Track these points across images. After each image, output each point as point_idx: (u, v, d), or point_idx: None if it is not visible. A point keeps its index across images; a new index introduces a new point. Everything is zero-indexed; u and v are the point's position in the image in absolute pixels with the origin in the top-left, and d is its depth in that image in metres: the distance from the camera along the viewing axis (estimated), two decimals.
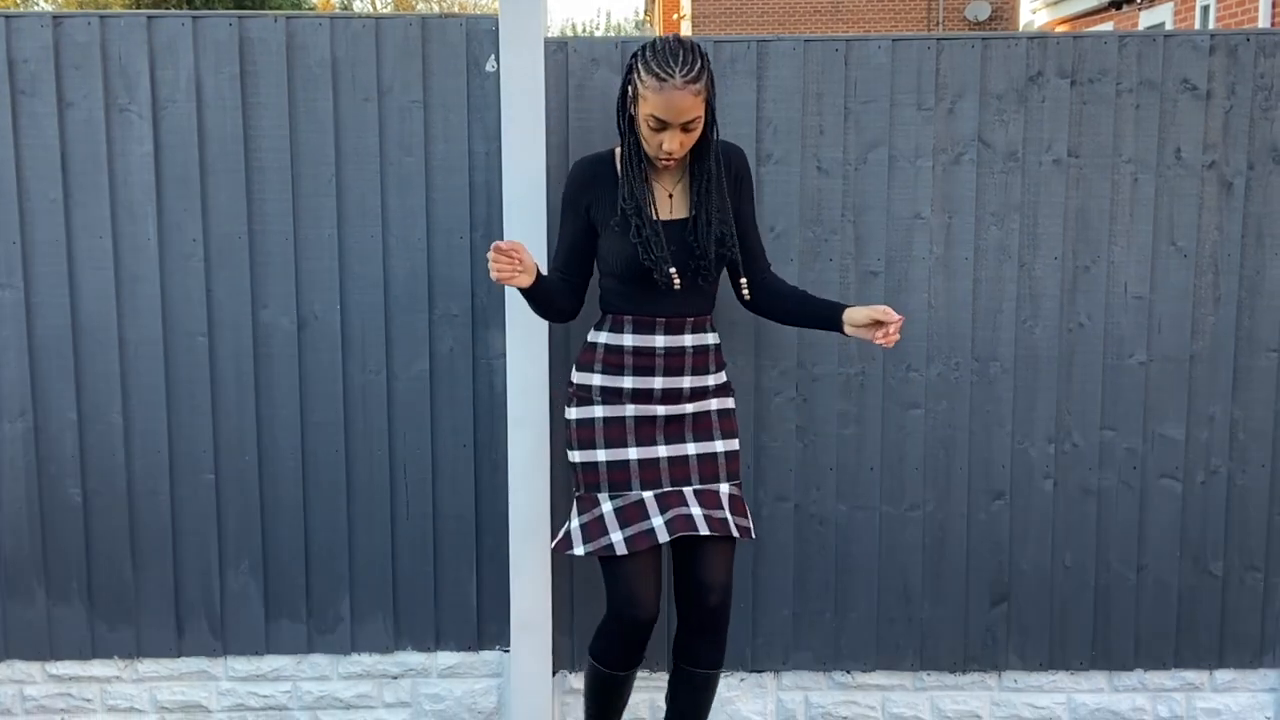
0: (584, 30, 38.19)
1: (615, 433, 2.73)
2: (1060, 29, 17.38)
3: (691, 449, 2.76)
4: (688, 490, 2.73)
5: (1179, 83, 3.16)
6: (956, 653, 3.33)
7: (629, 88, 2.58)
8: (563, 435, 2.88)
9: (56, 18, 3.11)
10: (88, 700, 3.33)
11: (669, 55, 2.51)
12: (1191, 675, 3.35)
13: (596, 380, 2.75)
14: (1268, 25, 12.04)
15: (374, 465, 3.25)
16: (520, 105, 3.08)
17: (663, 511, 2.68)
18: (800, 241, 3.19)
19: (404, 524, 3.27)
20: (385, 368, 3.21)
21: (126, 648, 3.30)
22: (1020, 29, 23.54)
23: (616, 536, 2.65)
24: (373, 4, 32.69)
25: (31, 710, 3.33)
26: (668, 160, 2.60)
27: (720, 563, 2.71)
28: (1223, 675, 3.35)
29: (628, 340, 2.73)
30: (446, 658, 3.33)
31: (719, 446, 2.79)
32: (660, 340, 2.72)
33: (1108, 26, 16.33)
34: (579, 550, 2.69)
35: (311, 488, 3.25)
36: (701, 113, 2.55)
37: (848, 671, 3.35)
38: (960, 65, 3.15)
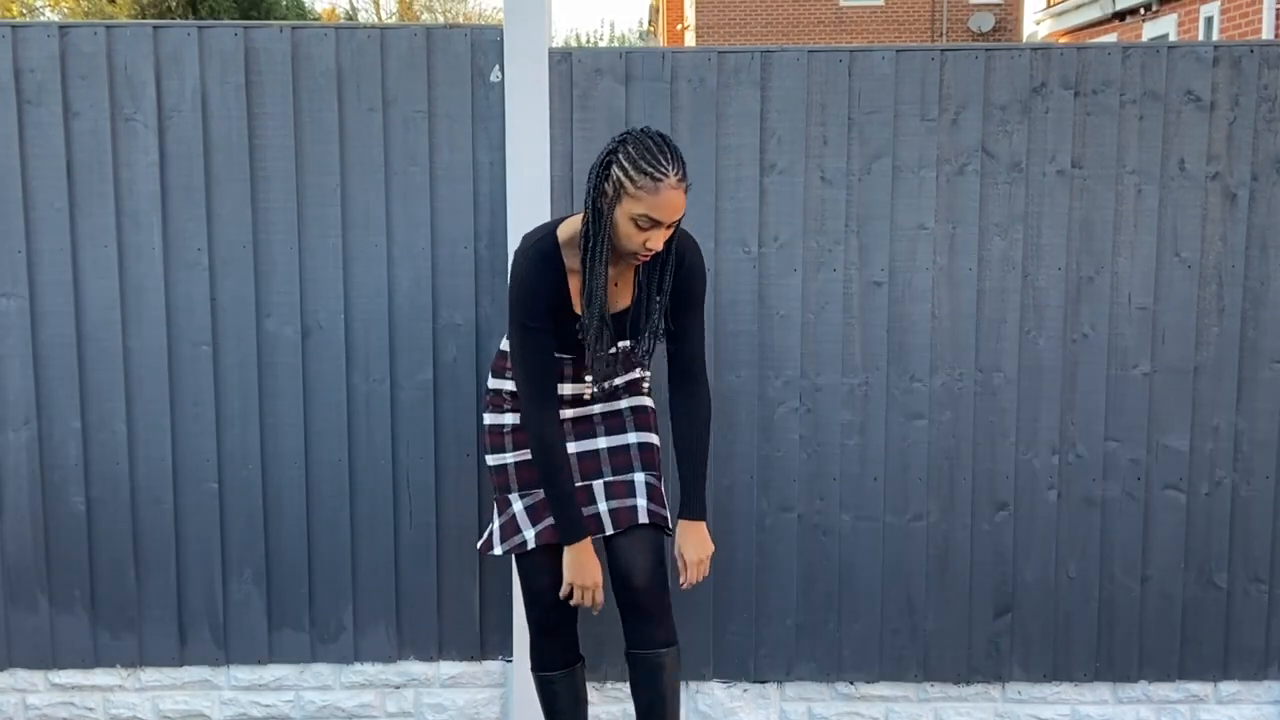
0: (588, 41, 38.28)
1: (522, 437, 2.76)
2: (1064, 40, 17.39)
3: (602, 443, 2.78)
4: (597, 485, 2.75)
5: (1183, 94, 3.16)
6: (960, 664, 3.32)
7: (606, 185, 2.48)
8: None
9: (63, 28, 3.12)
10: (90, 709, 3.33)
11: (658, 153, 2.45)
12: (1196, 687, 3.34)
13: (507, 387, 2.79)
14: (1271, 37, 12.05)
15: (377, 474, 3.25)
16: (524, 115, 3.09)
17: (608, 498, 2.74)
18: (804, 252, 3.19)
19: (407, 533, 3.27)
20: (389, 377, 3.22)
21: (129, 656, 3.30)
22: (1024, 40, 23.55)
23: (528, 533, 2.72)
24: (378, 14, 32.78)
25: (34, 719, 3.33)
26: (645, 258, 2.54)
27: (637, 548, 2.70)
28: (1227, 687, 3.34)
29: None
30: (449, 667, 3.33)
31: (631, 438, 2.80)
32: (567, 364, 2.76)
33: (1111, 38, 16.34)
34: (498, 550, 2.77)
35: (314, 497, 3.25)
36: (683, 216, 2.53)
37: (851, 682, 3.34)
38: (964, 76, 3.16)
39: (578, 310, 2.64)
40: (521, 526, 2.74)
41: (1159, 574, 3.30)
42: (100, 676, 3.32)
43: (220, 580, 3.28)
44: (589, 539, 2.67)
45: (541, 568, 2.74)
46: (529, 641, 2.85)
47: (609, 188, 2.47)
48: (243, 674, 3.32)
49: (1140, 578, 3.30)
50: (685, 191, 2.47)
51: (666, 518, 2.77)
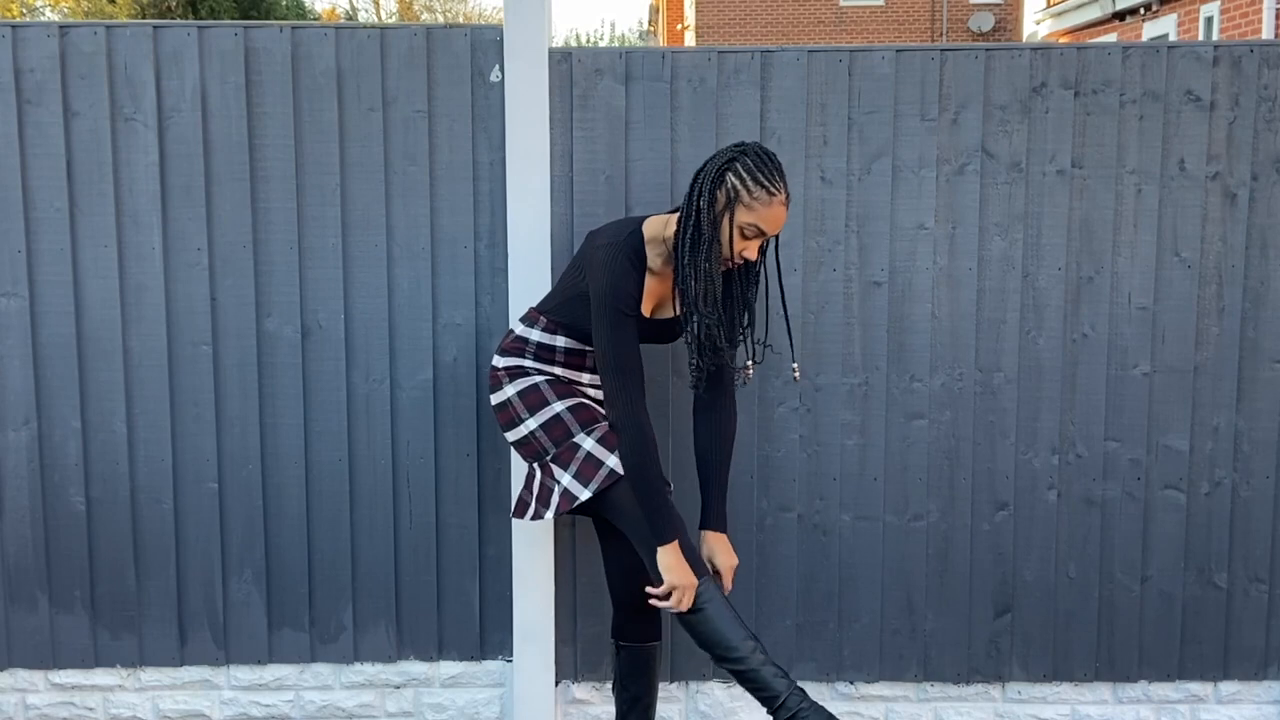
0: (588, 41, 38.29)
1: (561, 388, 2.80)
2: (1064, 40, 17.40)
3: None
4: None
5: (1183, 94, 3.16)
6: (960, 663, 3.32)
7: (719, 192, 2.57)
8: (499, 419, 2.86)
9: (63, 27, 3.12)
10: (90, 709, 3.33)
11: (774, 169, 2.58)
12: (1196, 687, 3.34)
13: (529, 363, 2.81)
14: (1271, 36, 12.05)
15: (377, 474, 3.25)
16: (524, 115, 3.08)
17: (612, 451, 2.72)
18: (804, 251, 3.19)
19: (407, 533, 3.27)
20: (389, 377, 3.22)
21: (129, 656, 3.30)
22: (1024, 40, 23.56)
23: (612, 460, 2.69)
24: (378, 14, 32.78)
25: (34, 719, 3.33)
26: (735, 265, 2.64)
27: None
28: (1227, 687, 3.34)
29: (560, 341, 2.80)
30: (449, 667, 3.33)
31: None
32: (591, 357, 2.81)
33: (1111, 38, 16.35)
34: (585, 494, 2.68)
35: (314, 497, 3.25)
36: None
37: (851, 682, 3.34)
38: (964, 76, 3.16)
39: (645, 309, 2.73)
40: (603, 458, 2.70)
41: (1159, 574, 3.30)
42: (100, 676, 3.32)
43: (220, 580, 3.28)
44: (677, 542, 2.64)
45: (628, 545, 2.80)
46: (626, 619, 2.90)
47: (721, 195, 2.57)
48: (243, 674, 3.32)
49: (1140, 578, 3.30)
50: (788, 209, 2.61)
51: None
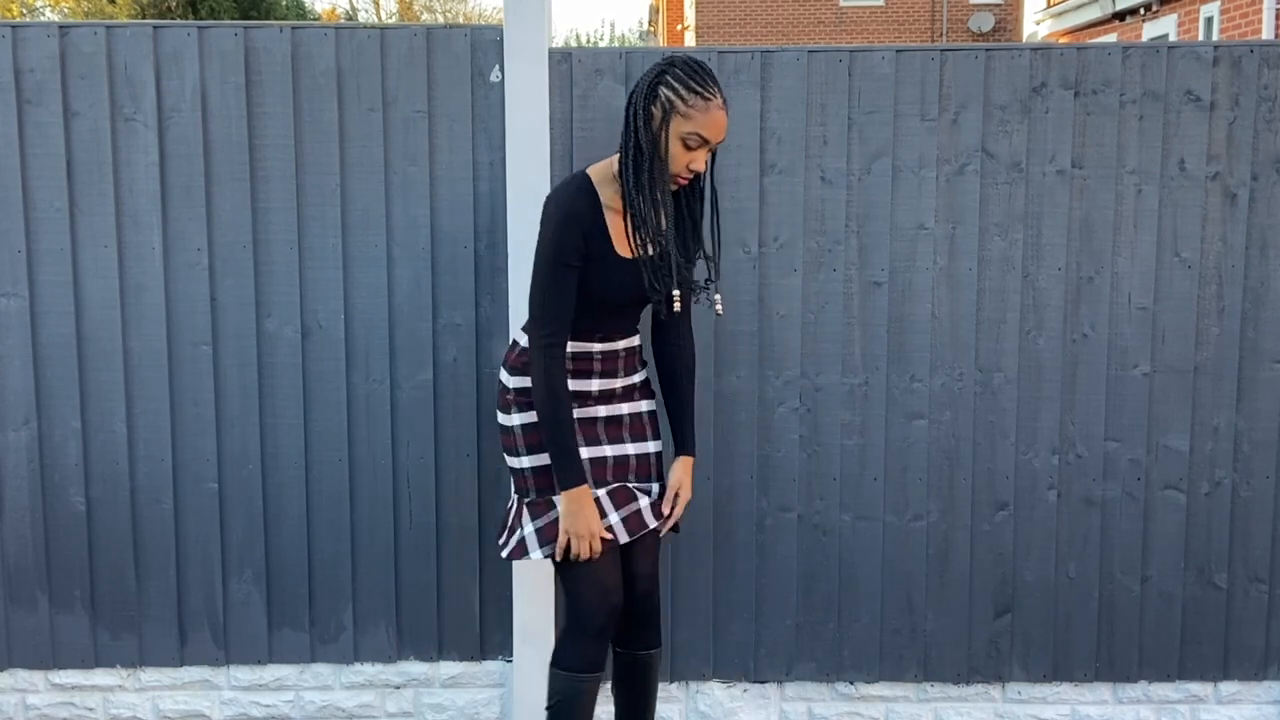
0: (588, 41, 38.29)
1: (588, 430, 2.72)
2: (1064, 40, 17.40)
3: (631, 449, 2.76)
4: (631, 487, 2.74)
5: (1183, 94, 3.16)
6: (960, 664, 3.32)
7: (654, 108, 2.51)
8: (500, 441, 2.80)
9: (63, 27, 3.12)
10: (90, 709, 3.33)
11: (705, 75, 2.52)
12: (1196, 687, 3.34)
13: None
14: (1271, 37, 12.05)
15: (377, 474, 3.25)
16: (524, 115, 3.09)
17: (617, 508, 2.68)
18: (804, 252, 3.19)
19: (407, 533, 3.27)
20: (389, 377, 3.22)
21: (129, 657, 3.30)
22: (1024, 40, 23.56)
23: (613, 517, 2.68)
24: (378, 14, 32.79)
25: (34, 719, 3.33)
26: (685, 180, 2.57)
27: (651, 551, 2.80)
28: (1227, 687, 3.34)
29: (567, 346, 2.67)
30: (449, 667, 3.33)
31: (650, 447, 2.81)
32: (598, 346, 2.70)
33: (1111, 38, 16.35)
34: (536, 554, 2.66)
35: (314, 497, 3.25)
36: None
37: (851, 682, 3.34)
38: (964, 76, 3.16)
39: (622, 251, 2.62)
40: (607, 511, 2.66)
41: (1159, 574, 3.30)
42: (100, 676, 3.32)
43: (220, 580, 3.28)
44: (588, 487, 2.60)
45: (599, 566, 2.65)
46: (570, 642, 2.69)
47: (656, 110, 2.51)
48: (243, 674, 3.32)
49: (1140, 578, 3.30)
50: (727, 115, 2.55)
51: (658, 528, 2.77)
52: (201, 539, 3.26)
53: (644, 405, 2.82)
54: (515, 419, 2.72)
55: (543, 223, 2.60)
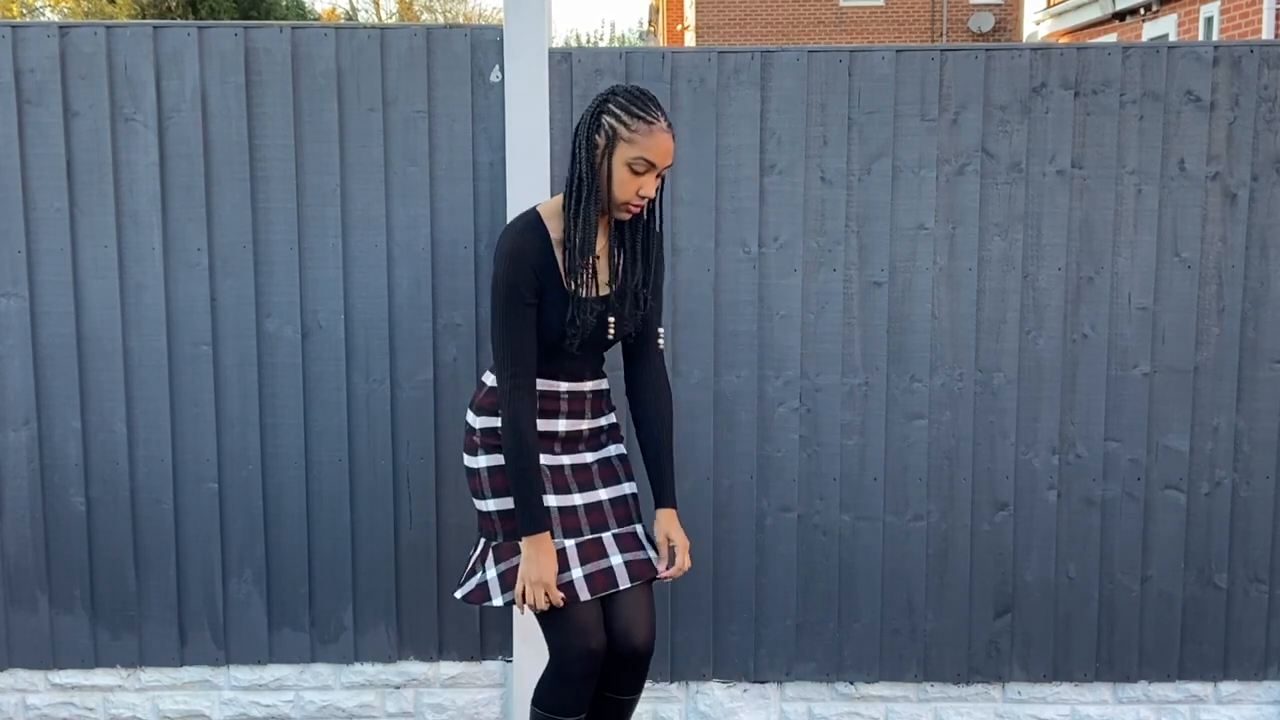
0: (588, 41, 38.29)
1: (560, 479, 2.63)
2: (1064, 40, 17.40)
3: (604, 494, 2.66)
4: (607, 537, 2.63)
5: (1183, 94, 3.16)
6: (960, 664, 3.32)
7: (598, 136, 2.48)
8: (466, 483, 2.75)
9: (63, 28, 3.12)
10: (90, 709, 3.33)
11: (647, 100, 2.50)
12: (1196, 687, 3.34)
13: (494, 423, 2.63)
14: (1271, 37, 12.05)
15: (377, 474, 3.25)
16: (524, 115, 3.09)
17: (583, 563, 2.58)
18: (804, 252, 3.19)
19: (407, 533, 3.27)
20: (389, 377, 3.22)
21: (129, 657, 3.30)
22: (1024, 40, 23.56)
23: (576, 573, 2.56)
24: (378, 14, 32.78)
25: (34, 719, 3.33)
26: (637, 208, 2.52)
27: (644, 602, 2.64)
28: (1227, 687, 3.34)
29: (562, 386, 2.64)
30: (449, 668, 3.33)
31: (626, 489, 2.71)
32: (564, 385, 2.64)
33: (1111, 38, 16.35)
34: (498, 600, 2.59)
35: (314, 497, 3.25)
36: (671, 165, 2.54)
37: (851, 682, 3.34)
38: (964, 76, 3.16)
39: (568, 286, 2.57)
40: (571, 564, 2.57)
41: (1159, 574, 3.30)
42: (100, 676, 3.32)
43: (220, 580, 3.28)
44: (549, 535, 2.53)
45: (591, 610, 2.58)
46: (551, 685, 2.61)
47: (600, 139, 2.49)
48: (243, 674, 3.32)
49: (1140, 578, 3.30)
50: (674, 139, 2.52)
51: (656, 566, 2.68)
52: (201, 539, 3.26)
53: (612, 450, 2.74)
54: (481, 460, 2.65)
55: (495, 261, 2.57)
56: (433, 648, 3.32)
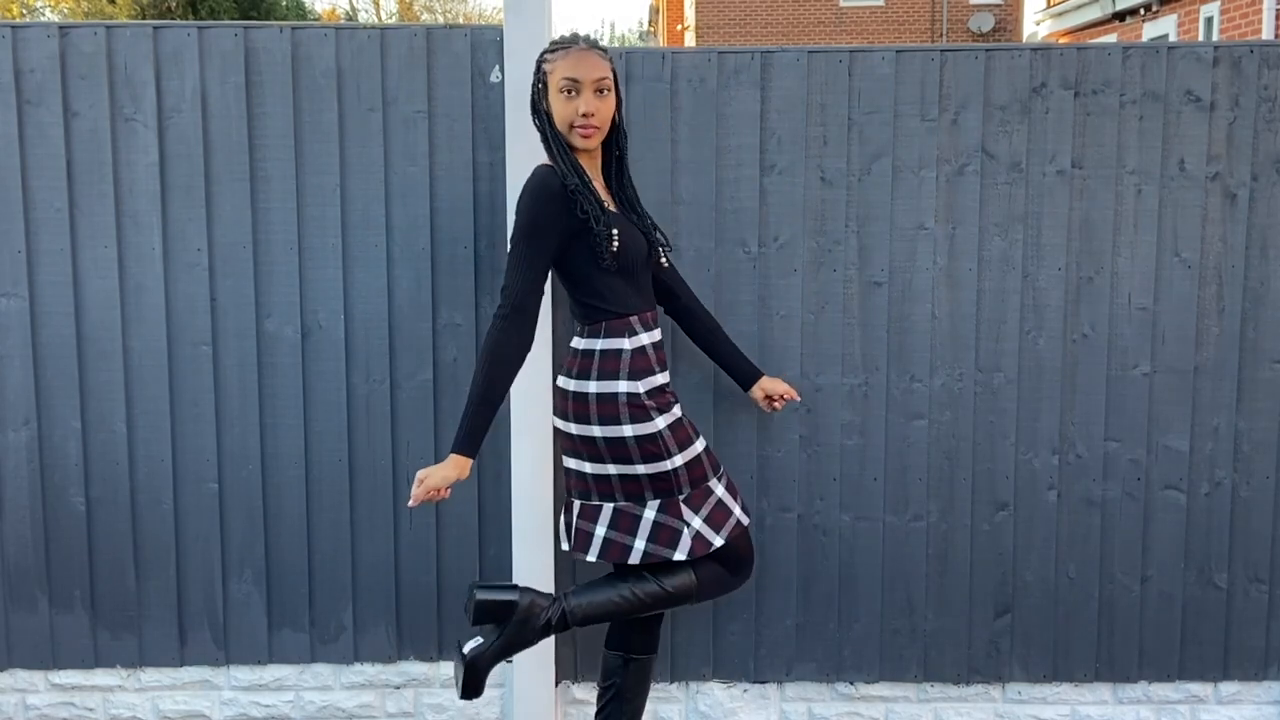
0: None
1: (682, 434, 2.73)
2: (1064, 40, 17.40)
3: (699, 444, 2.82)
4: (718, 486, 2.82)
5: (1183, 94, 3.16)
6: (960, 664, 3.32)
7: (538, 84, 2.71)
8: (583, 450, 2.73)
9: (63, 28, 3.12)
10: (90, 709, 3.33)
11: (567, 38, 2.73)
12: (1196, 687, 3.34)
13: (640, 387, 2.68)
14: (1271, 37, 12.05)
15: (377, 474, 3.25)
16: (524, 116, 3.08)
17: (733, 496, 2.86)
18: (804, 252, 3.19)
19: (407, 533, 3.27)
20: (389, 377, 3.22)
21: (129, 657, 3.30)
22: (1024, 40, 23.57)
23: (719, 538, 2.77)
24: (378, 15, 32.78)
25: (34, 719, 3.33)
26: (587, 128, 2.66)
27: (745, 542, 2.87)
28: (1227, 687, 3.34)
29: (644, 339, 2.74)
30: (449, 668, 3.33)
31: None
32: (645, 338, 2.75)
33: (1111, 38, 16.35)
34: (717, 541, 2.74)
35: (314, 497, 3.25)
36: (610, 78, 2.69)
37: (851, 683, 3.34)
38: (964, 77, 3.16)
39: (612, 207, 2.77)
40: (732, 506, 2.82)
41: (1159, 574, 3.30)
42: (100, 677, 3.32)
43: (220, 580, 3.28)
44: (470, 462, 2.60)
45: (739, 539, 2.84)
46: (722, 589, 2.85)
47: (538, 81, 2.71)
48: (243, 674, 3.32)
49: (1140, 578, 3.30)
50: (608, 64, 2.70)
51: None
52: (201, 539, 3.26)
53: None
54: (628, 429, 2.67)
55: (517, 211, 2.67)
56: (433, 648, 3.32)
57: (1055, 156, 3.18)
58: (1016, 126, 3.17)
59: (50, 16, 23.32)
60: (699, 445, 2.77)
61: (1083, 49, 3.18)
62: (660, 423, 2.68)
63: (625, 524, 2.70)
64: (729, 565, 2.82)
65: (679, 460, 2.70)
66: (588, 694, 3.33)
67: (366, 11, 33.38)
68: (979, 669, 3.33)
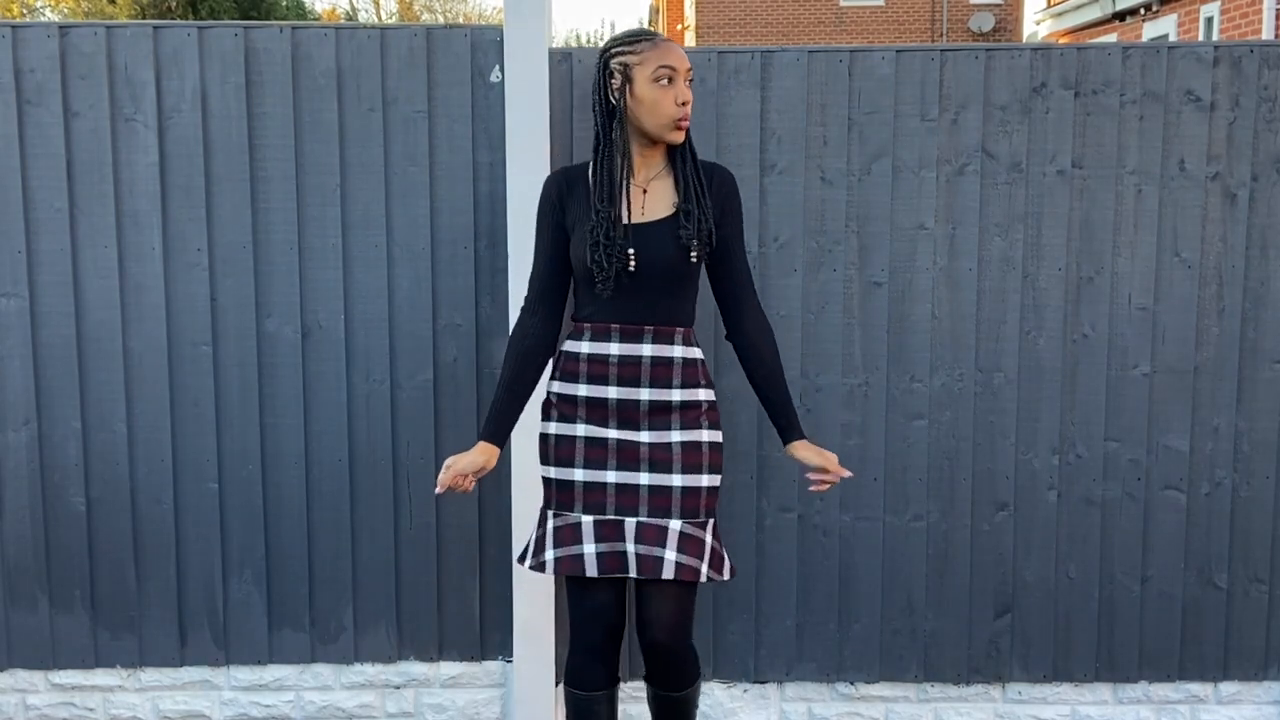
0: (588, 41, 38.25)
1: (565, 451, 2.60)
2: (1064, 40, 17.40)
3: (644, 479, 2.56)
4: (629, 523, 2.56)
5: (1183, 94, 3.16)
6: (960, 664, 3.32)
7: (611, 79, 2.53)
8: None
9: (63, 28, 3.12)
10: (90, 709, 3.33)
11: (640, 31, 2.58)
12: (1196, 687, 3.34)
13: (555, 388, 2.63)
14: (1271, 37, 12.05)
15: (377, 475, 3.25)
16: (524, 115, 3.08)
17: (597, 541, 2.56)
18: (804, 252, 3.19)
19: (407, 534, 3.27)
20: (389, 377, 3.22)
21: (129, 657, 3.30)
22: (1024, 40, 23.55)
23: (549, 555, 2.59)
24: (378, 14, 32.78)
25: (34, 719, 3.33)
26: (685, 120, 2.51)
27: (663, 600, 2.56)
28: (1227, 687, 3.34)
29: (584, 348, 2.58)
30: (449, 668, 3.33)
31: (676, 480, 2.56)
32: (614, 348, 2.57)
33: (1111, 38, 16.34)
34: (524, 564, 2.65)
35: (315, 497, 3.25)
36: (693, 69, 2.58)
37: (851, 683, 3.34)
38: (964, 77, 3.16)
39: (629, 217, 2.56)
40: (545, 547, 2.59)
41: (1159, 574, 3.30)
42: (100, 677, 3.32)
43: (220, 580, 3.28)
44: (496, 450, 2.59)
45: (602, 586, 2.59)
46: (569, 659, 2.65)
47: (616, 79, 2.53)
48: (243, 674, 3.32)
49: (1140, 578, 3.30)
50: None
51: (698, 570, 2.54)
52: (201, 539, 3.26)
53: (677, 435, 2.57)
54: (539, 426, 2.66)
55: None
56: (433, 648, 3.32)
57: (1055, 156, 3.18)
58: (1016, 126, 3.17)
59: (50, 16, 23.31)
60: (579, 475, 2.58)
61: (1083, 49, 3.18)
62: (551, 428, 2.63)
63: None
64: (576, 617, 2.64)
65: (552, 472, 2.62)
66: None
67: (366, 11, 33.38)
68: (979, 669, 3.33)
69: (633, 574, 2.54)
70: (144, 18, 18.99)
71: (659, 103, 2.49)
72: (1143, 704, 3.35)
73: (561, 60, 3.14)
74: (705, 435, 2.60)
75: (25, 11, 22.64)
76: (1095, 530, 3.28)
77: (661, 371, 2.57)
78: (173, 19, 18.71)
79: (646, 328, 2.57)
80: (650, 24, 38.04)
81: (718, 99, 3.15)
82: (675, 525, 2.55)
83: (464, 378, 3.22)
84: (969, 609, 3.30)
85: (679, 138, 2.54)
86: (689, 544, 2.54)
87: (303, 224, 3.17)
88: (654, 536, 2.54)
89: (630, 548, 2.55)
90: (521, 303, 2.67)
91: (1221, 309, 3.22)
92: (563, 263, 2.61)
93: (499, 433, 2.62)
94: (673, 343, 2.59)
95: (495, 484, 3.24)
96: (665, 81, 2.49)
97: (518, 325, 2.64)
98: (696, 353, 2.64)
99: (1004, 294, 3.21)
